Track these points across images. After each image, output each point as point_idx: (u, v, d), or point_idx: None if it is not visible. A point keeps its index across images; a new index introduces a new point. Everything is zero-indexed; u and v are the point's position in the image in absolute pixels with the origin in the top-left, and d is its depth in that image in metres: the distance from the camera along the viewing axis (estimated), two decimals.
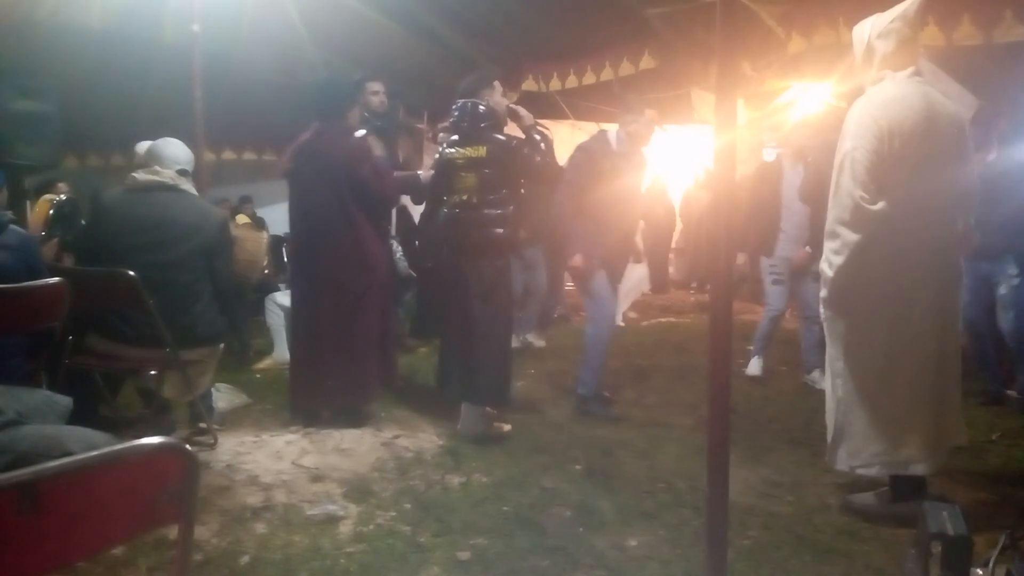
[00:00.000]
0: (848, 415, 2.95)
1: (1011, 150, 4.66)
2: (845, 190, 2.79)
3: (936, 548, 1.76)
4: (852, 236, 2.79)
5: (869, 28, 2.89)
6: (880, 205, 2.75)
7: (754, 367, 5.51)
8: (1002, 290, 4.67)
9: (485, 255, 4.06)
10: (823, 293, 2.97)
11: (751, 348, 5.63)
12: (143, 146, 4.00)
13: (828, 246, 2.89)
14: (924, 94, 2.84)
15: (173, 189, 3.78)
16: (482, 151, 4.02)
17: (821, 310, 3.03)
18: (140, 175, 3.79)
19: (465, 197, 4.04)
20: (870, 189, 2.75)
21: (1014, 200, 4.53)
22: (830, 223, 2.87)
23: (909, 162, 2.77)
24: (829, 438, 3.04)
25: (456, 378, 4.16)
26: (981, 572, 1.80)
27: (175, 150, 3.88)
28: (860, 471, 3.00)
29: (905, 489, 2.99)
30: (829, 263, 2.88)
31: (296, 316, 4.42)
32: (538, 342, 6.36)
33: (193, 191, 3.90)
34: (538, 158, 4.06)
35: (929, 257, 2.87)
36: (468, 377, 4.07)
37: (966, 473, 3.54)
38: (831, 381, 3.02)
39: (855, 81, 2.98)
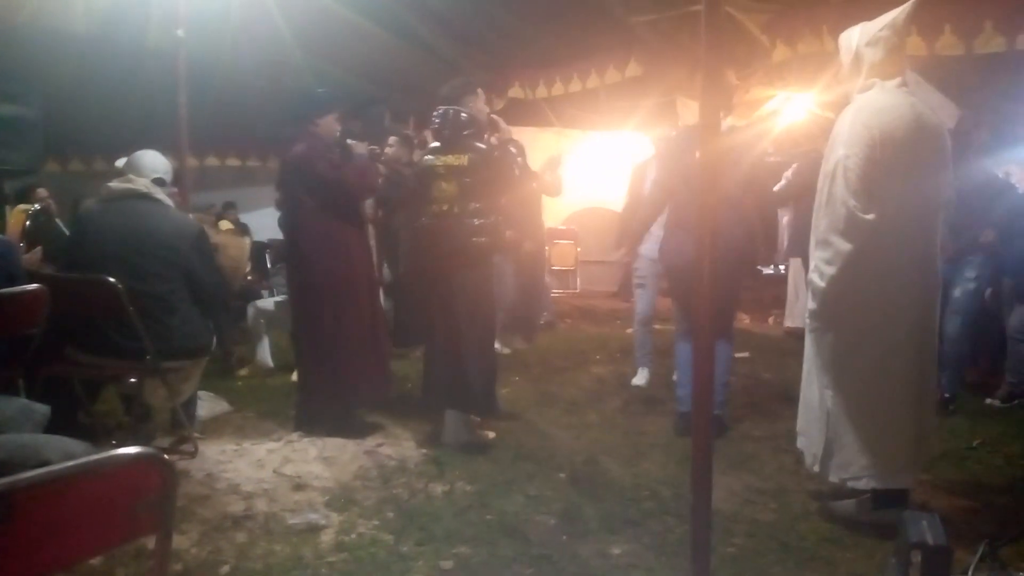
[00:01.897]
0: (838, 427, 2.93)
1: (990, 160, 4.73)
2: (839, 199, 2.76)
3: (916, 557, 1.77)
4: (845, 246, 2.77)
5: (857, 36, 2.89)
6: (872, 215, 2.74)
7: (640, 377, 5.36)
8: (956, 293, 4.71)
9: (468, 264, 4.02)
10: (811, 305, 2.93)
11: (738, 355, 5.64)
12: (122, 160, 4.00)
13: (819, 256, 2.85)
14: (911, 104, 2.86)
15: (147, 198, 3.75)
16: (463, 160, 3.97)
17: (807, 321, 3.01)
18: (115, 184, 3.78)
19: (445, 207, 3.99)
20: (862, 198, 2.74)
21: (995, 211, 4.59)
22: (822, 232, 2.84)
23: (898, 172, 2.77)
24: (818, 450, 3.01)
25: (440, 387, 4.14)
26: None
27: (151, 159, 3.87)
28: (851, 483, 3.00)
29: (887, 497, 3.00)
30: (820, 273, 2.85)
31: (293, 322, 4.49)
32: (503, 350, 6.25)
33: (168, 201, 3.87)
34: (516, 170, 4.06)
35: (915, 268, 2.87)
36: (454, 386, 4.05)
37: (947, 481, 3.56)
38: (818, 393, 3.00)
39: (841, 88, 2.97)
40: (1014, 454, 4.05)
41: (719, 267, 3.95)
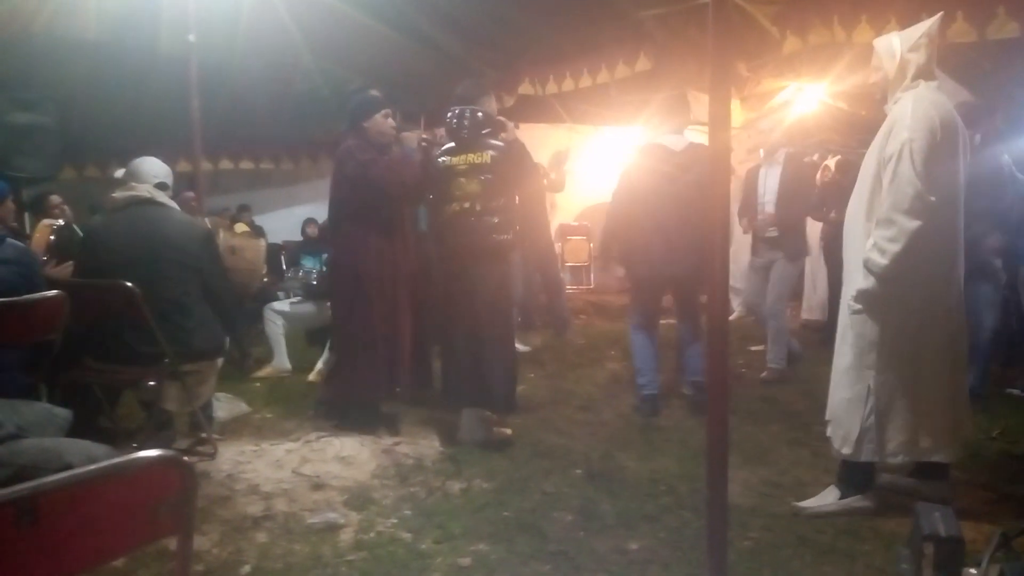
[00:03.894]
0: (879, 406, 2.99)
1: (1004, 147, 4.68)
2: (905, 179, 2.85)
3: (929, 549, 1.76)
4: (912, 223, 2.83)
5: (899, 43, 3.05)
6: (934, 197, 2.84)
7: None
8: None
9: (490, 261, 4.07)
10: (865, 284, 2.96)
11: (754, 348, 5.62)
12: (121, 171, 4.04)
13: (881, 234, 2.90)
14: (948, 101, 3.06)
15: (151, 202, 3.79)
16: (486, 157, 4.01)
17: (850, 302, 3.03)
18: (118, 194, 3.83)
19: (467, 204, 4.02)
20: (925, 180, 2.83)
21: (1003, 201, 4.55)
22: (885, 211, 2.90)
23: (949, 159, 2.92)
24: (852, 431, 3.04)
25: (462, 384, 4.15)
26: (974, 572, 1.80)
27: (150, 165, 3.91)
28: (889, 460, 3.07)
29: (858, 479, 3.13)
30: (882, 251, 2.89)
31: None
32: (521, 347, 6.26)
33: (173, 204, 3.91)
34: (531, 168, 4.13)
35: (953, 252, 3.01)
36: (476, 383, 4.07)
37: (965, 472, 3.53)
38: (857, 372, 3.03)
39: (880, 88, 3.11)
40: None
41: (686, 268, 4.45)
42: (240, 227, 7.57)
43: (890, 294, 2.94)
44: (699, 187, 4.20)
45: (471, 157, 4.03)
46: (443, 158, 4.14)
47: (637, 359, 4.72)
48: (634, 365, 4.75)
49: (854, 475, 3.14)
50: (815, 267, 7.82)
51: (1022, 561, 1.73)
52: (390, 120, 4.29)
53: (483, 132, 4.07)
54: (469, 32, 6.35)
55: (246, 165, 9.55)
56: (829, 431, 3.19)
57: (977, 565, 1.74)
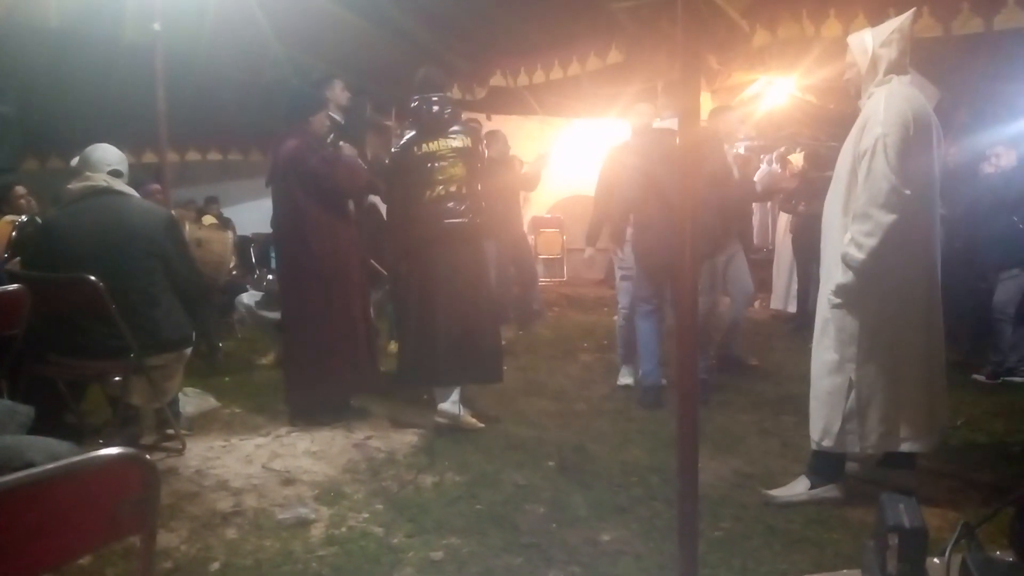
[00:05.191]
0: (860, 399, 3.02)
1: (970, 141, 4.76)
2: (880, 174, 2.88)
3: (893, 540, 1.78)
4: (887, 217, 2.86)
5: (870, 39, 3.08)
6: (908, 190, 2.87)
7: (624, 376, 5.18)
8: None
9: (470, 241, 4.15)
10: (843, 279, 2.99)
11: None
12: (76, 160, 3.91)
13: (858, 229, 2.93)
14: (921, 95, 3.09)
15: (108, 191, 3.70)
16: (468, 142, 4.14)
17: (830, 296, 3.05)
18: (73, 185, 3.71)
19: (453, 188, 4.08)
20: (900, 174, 2.86)
21: (966, 193, 4.63)
22: (861, 206, 2.93)
23: (923, 152, 2.96)
24: (832, 424, 3.06)
25: (454, 362, 4.11)
26: (937, 561, 1.82)
27: (103, 153, 3.79)
28: (869, 451, 3.11)
29: (828, 469, 3.18)
30: (859, 246, 2.92)
31: (282, 313, 4.57)
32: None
33: (131, 191, 3.83)
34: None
35: (929, 244, 3.05)
36: (470, 359, 4.11)
37: (930, 460, 3.58)
38: (838, 366, 3.06)
39: (854, 84, 3.14)
40: (997, 431, 4.10)
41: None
42: (208, 219, 7.46)
43: (868, 287, 2.97)
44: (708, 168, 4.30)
45: (450, 142, 4.10)
46: (419, 144, 4.12)
47: (641, 347, 4.71)
48: (640, 353, 4.75)
49: (825, 465, 3.18)
50: (782, 258, 7.91)
51: (984, 551, 1.76)
52: (327, 120, 4.45)
53: (461, 117, 4.21)
54: (440, 22, 6.30)
55: (214, 156, 9.39)
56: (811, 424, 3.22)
57: (941, 555, 1.77)
